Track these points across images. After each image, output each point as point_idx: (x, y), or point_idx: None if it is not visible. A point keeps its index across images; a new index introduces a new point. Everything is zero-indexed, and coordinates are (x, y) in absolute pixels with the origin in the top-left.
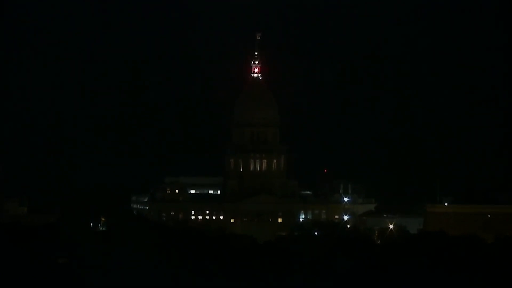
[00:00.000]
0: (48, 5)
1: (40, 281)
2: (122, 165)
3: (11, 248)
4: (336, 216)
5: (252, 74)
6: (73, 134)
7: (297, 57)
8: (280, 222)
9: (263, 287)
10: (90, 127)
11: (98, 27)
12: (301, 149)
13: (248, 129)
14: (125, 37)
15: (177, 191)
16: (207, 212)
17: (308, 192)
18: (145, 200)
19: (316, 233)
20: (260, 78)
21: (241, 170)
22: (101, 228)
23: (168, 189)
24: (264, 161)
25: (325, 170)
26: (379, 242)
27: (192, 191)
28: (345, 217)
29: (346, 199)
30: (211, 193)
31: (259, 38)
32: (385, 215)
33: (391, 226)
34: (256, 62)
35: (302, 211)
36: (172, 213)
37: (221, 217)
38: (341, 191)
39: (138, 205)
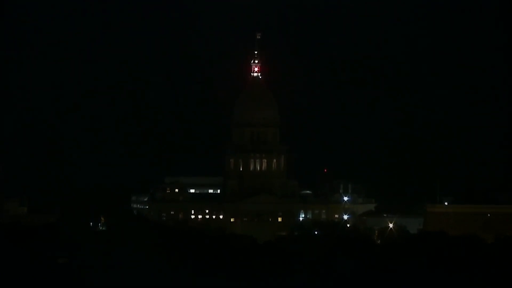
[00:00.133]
0: (48, 5)
1: (40, 281)
2: (122, 165)
3: (11, 248)
4: (336, 216)
5: (252, 74)
6: (73, 134)
7: (297, 57)
8: (280, 222)
9: (263, 287)
10: (90, 127)
11: (98, 27)
12: (301, 149)
13: (248, 129)
14: (125, 37)
15: (177, 191)
16: (207, 212)
17: (308, 192)
18: (145, 200)
19: (316, 233)
20: (260, 78)
21: (241, 170)
22: (101, 228)
23: (168, 189)
24: (264, 161)
25: (325, 170)
26: (379, 242)
27: (192, 191)
28: (345, 217)
29: (346, 199)
30: (211, 193)
31: (259, 38)
32: (385, 215)
33: (391, 226)
34: (256, 62)
35: (302, 211)
36: (172, 213)
37: (221, 217)
38: (341, 191)
39: (138, 205)
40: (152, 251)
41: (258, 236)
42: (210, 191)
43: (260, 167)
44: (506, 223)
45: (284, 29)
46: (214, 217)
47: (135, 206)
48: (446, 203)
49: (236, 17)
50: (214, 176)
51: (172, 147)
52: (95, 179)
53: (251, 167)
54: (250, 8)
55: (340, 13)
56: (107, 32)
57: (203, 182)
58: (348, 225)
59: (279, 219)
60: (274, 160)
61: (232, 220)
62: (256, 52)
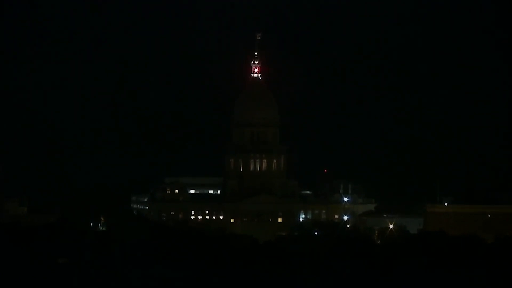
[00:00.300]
0: (48, 5)
1: (40, 281)
2: (122, 165)
3: (11, 248)
4: (336, 216)
5: (252, 74)
6: (73, 134)
7: (297, 57)
8: (280, 222)
9: (263, 287)
10: (90, 127)
11: (98, 27)
12: (301, 149)
13: (248, 129)
14: (125, 37)
15: (177, 191)
16: (207, 212)
17: (308, 192)
18: (145, 200)
19: (316, 233)
20: (260, 78)
21: (241, 170)
22: (101, 228)
23: (168, 189)
24: (264, 161)
25: (325, 170)
26: (379, 242)
27: (192, 191)
28: (345, 217)
29: (346, 199)
30: (211, 193)
31: (259, 38)
32: (385, 215)
33: (391, 226)
34: (256, 62)
35: (302, 211)
36: (172, 213)
37: (221, 217)
38: (341, 191)
39: (138, 205)
40: (152, 251)
41: (258, 236)
42: (210, 191)
43: (260, 167)
44: (506, 223)
45: (284, 29)
46: (214, 217)
47: (135, 206)
48: (446, 203)
49: (236, 17)
50: (214, 176)
51: (172, 147)
52: (95, 179)
53: (251, 167)
54: (250, 8)
55: (340, 13)
56: (107, 32)
57: (203, 182)
58: (348, 225)
59: (279, 219)
60: (274, 160)
61: (232, 220)
62: (256, 52)
